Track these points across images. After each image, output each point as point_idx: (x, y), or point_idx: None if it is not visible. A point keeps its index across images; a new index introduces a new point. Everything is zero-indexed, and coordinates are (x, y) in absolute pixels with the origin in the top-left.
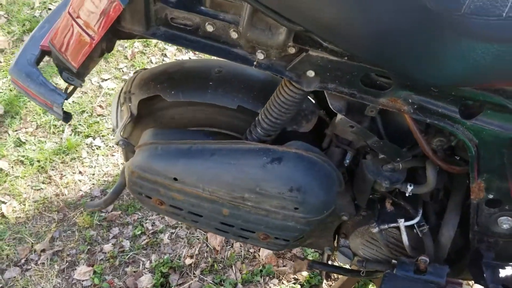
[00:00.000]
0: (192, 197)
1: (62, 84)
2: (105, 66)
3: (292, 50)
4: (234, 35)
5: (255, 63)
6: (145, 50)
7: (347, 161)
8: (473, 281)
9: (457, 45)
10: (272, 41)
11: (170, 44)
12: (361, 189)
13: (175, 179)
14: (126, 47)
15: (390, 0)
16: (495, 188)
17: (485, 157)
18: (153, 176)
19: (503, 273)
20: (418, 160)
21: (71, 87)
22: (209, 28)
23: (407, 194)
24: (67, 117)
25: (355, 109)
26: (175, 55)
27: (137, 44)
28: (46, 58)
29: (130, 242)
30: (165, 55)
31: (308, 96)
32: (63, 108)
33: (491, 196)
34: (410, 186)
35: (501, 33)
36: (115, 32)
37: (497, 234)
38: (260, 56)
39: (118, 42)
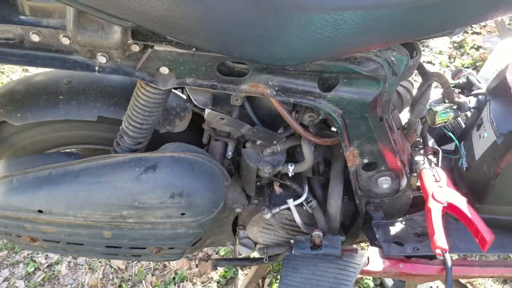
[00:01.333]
0: (65, 227)
1: None
2: None
3: (136, 48)
4: (65, 41)
5: (97, 68)
6: (3, 69)
7: (230, 153)
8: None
9: (294, 23)
10: (108, 41)
11: None
12: (247, 178)
13: (40, 211)
14: None
15: None
16: (368, 152)
17: (351, 125)
18: (14, 213)
19: (393, 230)
20: (294, 139)
21: None
22: (35, 38)
23: (290, 175)
24: None
25: (222, 100)
26: (37, 68)
27: None
28: None
29: (24, 282)
30: (27, 70)
31: (178, 92)
32: None
33: (366, 161)
34: (291, 166)
35: (333, 1)
36: None
37: (380, 194)
38: (101, 59)
39: None
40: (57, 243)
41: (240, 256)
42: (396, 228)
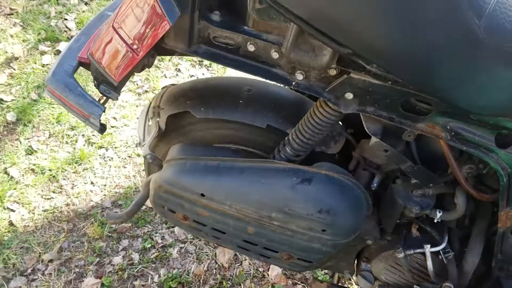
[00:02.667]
0: (217, 213)
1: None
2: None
3: (333, 72)
4: (275, 55)
5: (294, 83)
6: (159, 64)
7: (375, 184)
8: None
9: (508, 77)
10: (315, 62)
11: (184, 59)
12: (389, 214)
13: (203, 195)
14: None
15: (443, 30)
16: None
17: None
18: (180, 191)
19: None
20: (448, 186)
21: (103, 99)
22: (251, 48)
23: (435, 220)
24: (103, 128)
25: (390, 133)
26: (188, 70)
27: None
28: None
29: (139, 255)
30: (179, 70)
31: None
32: (100, 120)
33: None
34: (439, 212)
35: None
36: (157, 48)
37: None
38: (299, 76)
39: None
40: (203, 226)
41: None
42: None
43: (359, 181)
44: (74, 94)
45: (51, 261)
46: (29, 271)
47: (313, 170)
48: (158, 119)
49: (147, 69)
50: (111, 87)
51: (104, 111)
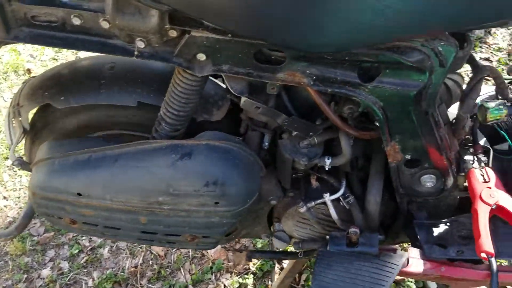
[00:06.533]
0: (102, 210)
1: None
2: (17, 80)
3: (173, 34)
4: (105, 24)
5: (135, 53)
6: (57, 56)
7: (266, 143)
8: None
9: (331, 6)
10: (145, 25)
11: None
12: (283, 170)
13: (79, 194)
14: (35, 56)
15: None
16: (411, 148)
17: (393, 118)
18: (55, 195)
19: (437, 231)
20: (332, 131)
21: None
22: (76, 21)
23: (326, 168)
24: None
25: (258, 89)
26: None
27: (48, 51)
28: None
29: (68, 263)
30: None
31: (217, 81)
32: None
33: (408, 157)
34: (328, 159)
35: None
36: None
37: (423, 193)
38: (140, 44)
39: (27, 52)
40: (95, 226)
41: (275, 249)
42: (440, 229)
43: (251, 143)
44: None
45: None
46: None
47: (191, 142)
48: (20, 118)
49: (46, 65)
50: None
51: None
